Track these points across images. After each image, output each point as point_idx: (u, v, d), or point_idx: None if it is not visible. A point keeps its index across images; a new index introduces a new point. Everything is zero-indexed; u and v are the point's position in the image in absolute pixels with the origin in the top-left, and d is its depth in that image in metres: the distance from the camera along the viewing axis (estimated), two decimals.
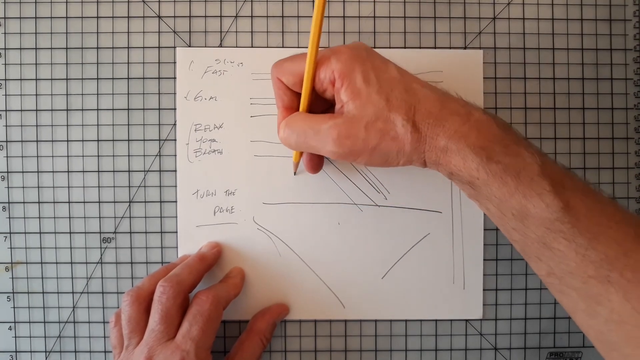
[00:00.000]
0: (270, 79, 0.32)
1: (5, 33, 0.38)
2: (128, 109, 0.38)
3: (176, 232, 0.38)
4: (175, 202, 0.38)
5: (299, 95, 0.32)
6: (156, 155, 0.38)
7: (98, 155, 0.38)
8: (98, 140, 0.38)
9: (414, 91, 0.29)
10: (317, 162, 0.36)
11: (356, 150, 0.29)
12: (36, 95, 0.38)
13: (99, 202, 0.38)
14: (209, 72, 0.38)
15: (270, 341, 0.37)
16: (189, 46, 0.38)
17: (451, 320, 0.39)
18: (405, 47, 0.38)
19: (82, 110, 0.38)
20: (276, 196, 0.38)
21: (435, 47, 0.38)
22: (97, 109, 0.38)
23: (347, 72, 0.29)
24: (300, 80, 0.30)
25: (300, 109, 0.32)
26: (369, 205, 0.38)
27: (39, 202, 0.38)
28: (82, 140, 0.38)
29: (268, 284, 0.38)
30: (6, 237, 0.38)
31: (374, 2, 0.39)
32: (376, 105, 0.28)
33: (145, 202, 0.38)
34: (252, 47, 0.38)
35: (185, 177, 0.38)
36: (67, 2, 0.38)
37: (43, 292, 0.38)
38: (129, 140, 0.38)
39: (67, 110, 0.38)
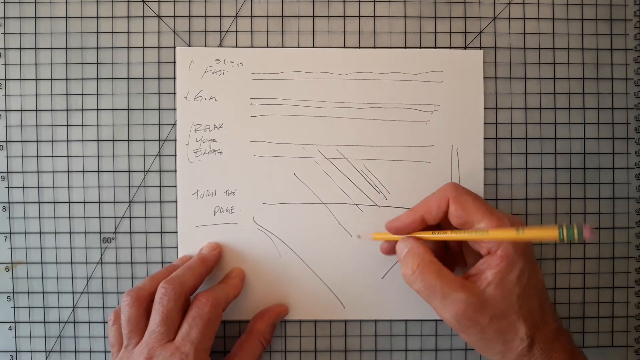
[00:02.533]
0: (438, 191, 0.32)
1: (5, 33, 0.38)
2: (128, 109, 0.38)
3: (176, 232, 0.38)
4: (175, 202, 0.38)
5: (443, 220, 0.32)
6: (156, 156, 0.38)
7: (98, 155, 0.38)
8: (98, 141, 0.38)
9: (544, 312, 0.30)
10: (393, 252, 0.35)
11: (468, 332, 0.30)
12: (36, 95, 0.38)
13: (99, 202, 0.38)
14: (209, 72, 0.38)
15: (270, 342, 0.37)
16: (189, 46, 0.38)
17: None
18: (405, 47, 0.38)
19: (82, 110, 0.38)
20: (276, 196, 0.38)
21: (435, 47, 0.38)
22: (97, 109, 0.38)
23: (512, 260, 0.29)
24: (466, 220, 0.31)
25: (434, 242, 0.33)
26: (369, 205, 0.38)
27: (39, 202, 0.38)
28: (82, 141, 0.38)
29: (268, 284, 0.38)
30: (6, 237, 0.38)
31: (374, 1, 0.38)
32: (510, 305, 0.29)
33: (145, 202, 0.38)
34: (252, 47, 0.38)
35: (185, 177, 0.38)
36: (66, 2, 0.38)
37: (43, 292, 0.38)
38: (129, 140, 0.38)
39: (67, 110, 0.38)
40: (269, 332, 0.36)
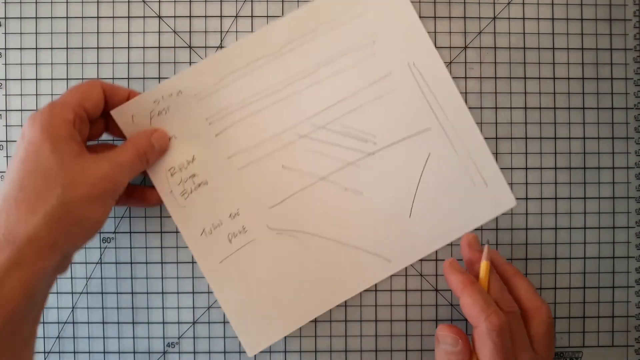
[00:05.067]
0: None
1: (5, 33, 0.38)
2: None
3: (176, 232, 0.38)
4: None
5: None
6: None
7: None
8: (98, 141, 0.38)
9: None
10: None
11: None
12: (36, 95, 0.38)
13: None
14: (155, 116, 0.36)
15: (149, 162, 0.35)
16: (189, 46, 0.38)
17: (452, 320, 0.39)
18: None
19: None
20: (277, 195, 0.38)
21: (435, 47, 0.38)
22: None
23: None
24: None
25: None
26: (362, 158, 0.38)
27: None
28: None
29: (308, 274, 0.38)
30: None
31: None
32: None
33: None
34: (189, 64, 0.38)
35: (185, 222, 0.37)
36: (67, 2, 0.38)
37: None
38: None
39: None
40: (148, 145, 0.34)
